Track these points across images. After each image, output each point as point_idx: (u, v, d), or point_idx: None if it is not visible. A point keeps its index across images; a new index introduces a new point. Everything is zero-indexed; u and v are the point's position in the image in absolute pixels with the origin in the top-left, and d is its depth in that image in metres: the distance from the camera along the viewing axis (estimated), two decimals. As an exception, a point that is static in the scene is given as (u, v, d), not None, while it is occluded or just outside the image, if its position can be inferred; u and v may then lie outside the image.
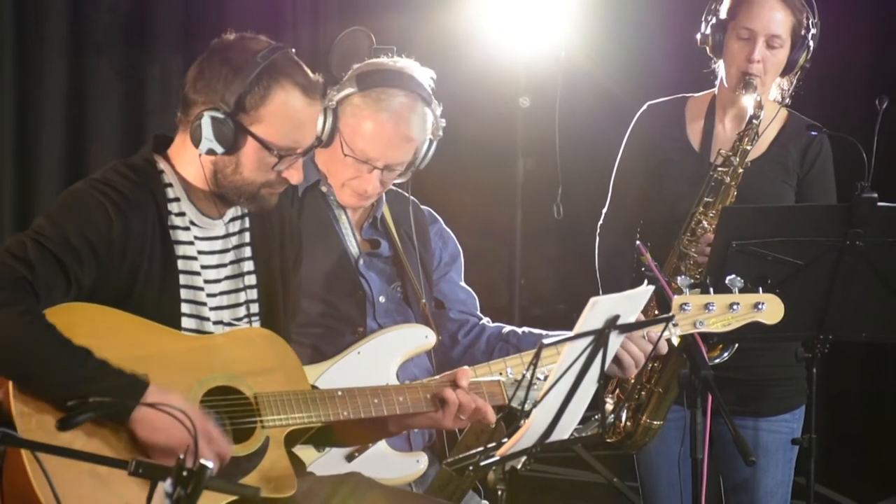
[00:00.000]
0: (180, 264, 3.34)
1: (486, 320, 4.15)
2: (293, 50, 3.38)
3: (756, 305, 3.85)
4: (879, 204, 3.98)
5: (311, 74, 3.37)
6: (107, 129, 5.90)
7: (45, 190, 5.64)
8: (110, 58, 5.87)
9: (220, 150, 3.31)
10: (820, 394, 4.29)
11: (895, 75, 6.43)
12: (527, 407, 3.14)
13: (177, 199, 3.38)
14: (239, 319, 3.43)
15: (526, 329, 4.09)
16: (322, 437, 3.53)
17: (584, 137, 6.63)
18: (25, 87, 5.69)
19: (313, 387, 3.45)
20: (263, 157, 3.33)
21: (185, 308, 3.34)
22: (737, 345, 4.10)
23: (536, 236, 7.12)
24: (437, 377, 3.70)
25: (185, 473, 2.64)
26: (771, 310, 3.86)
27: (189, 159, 3.38)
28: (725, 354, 4.10)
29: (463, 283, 4.19)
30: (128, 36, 5.91)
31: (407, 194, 4.08)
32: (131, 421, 3.14)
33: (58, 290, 3.18)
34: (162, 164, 3.40)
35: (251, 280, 3.46)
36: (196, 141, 3.31)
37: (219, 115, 3.29)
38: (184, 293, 3.34)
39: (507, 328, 4.10)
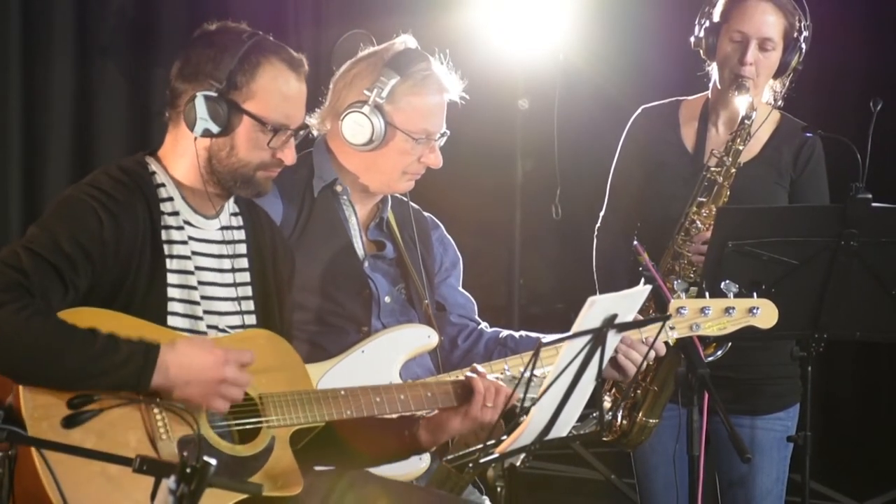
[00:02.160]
0: (173, 264, 3.34)
1: (483, 325, 4.15)
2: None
3: (751, 310, 3.88)
4: (873, 205, 4.01)
5: (294, 53, 3.41)
6: (113, 131, 5.89)
7: (52, 192, 5.58)
8: (116, 60, 5.87)
9: (215, 129, 3.32)
10: (815, 392, 4.30)
11: (889, 76, 6.45)
12: (526, 405, 3.17)
13: (170, 199, 3.38)
14: (233, 324, 3.42)
15: (523, 332, 4.10)
16: (328, 438, 3.48)
17: (582, 139, 6.64)
18: (32, 89, 5.67)
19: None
20: (257, 135, 3.36)
21: (177, 308, 3.33)
22: (730, 343, 4.12)
23: (535, 236, 7.15)
24: (439, 376, 3.74)
25: (188, 470, 2.66)
26: (765, 315, 3.89)
27: (181, 153, 3.39)
28: (719, 353, 4.12)
29: (462, 289, 4.19)
30: (133, 39, 5.91)
31: (414, 204, 4.12)
32: (159, 373, 3.13)
33: (55, 295, 3.17)
34: (153, 166, 3.41)
35: (247, 286, 3.46)
36: (191, 123, 3.33)
37: (211, 93, 3.32)
38: (176, 293, 3.33)
39: (505, 332, 4.11)
